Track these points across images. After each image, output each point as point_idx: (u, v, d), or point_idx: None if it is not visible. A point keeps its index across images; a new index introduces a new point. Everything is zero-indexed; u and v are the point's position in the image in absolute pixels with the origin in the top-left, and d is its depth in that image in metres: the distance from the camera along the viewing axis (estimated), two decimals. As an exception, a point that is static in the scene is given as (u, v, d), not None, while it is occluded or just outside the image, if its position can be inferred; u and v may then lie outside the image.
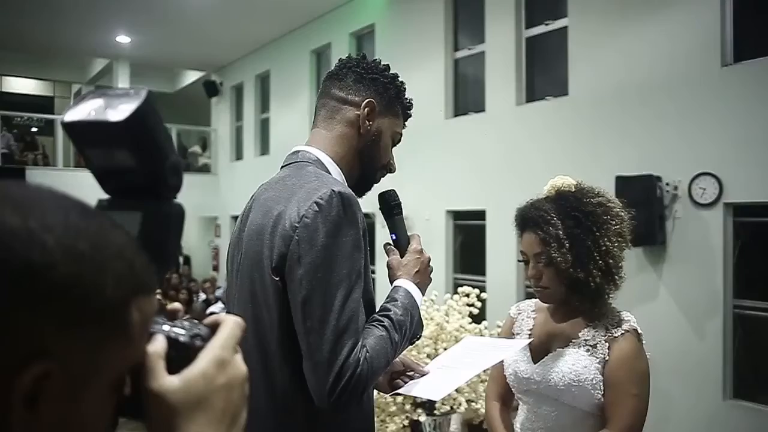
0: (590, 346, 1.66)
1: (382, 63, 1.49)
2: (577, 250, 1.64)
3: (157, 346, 0.54)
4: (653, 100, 4.99)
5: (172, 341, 0.55)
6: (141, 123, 0.55)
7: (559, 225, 1.66)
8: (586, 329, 1.69)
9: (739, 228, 4.57)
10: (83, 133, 0.56)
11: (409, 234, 1.49)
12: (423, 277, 1.43)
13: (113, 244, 0.49)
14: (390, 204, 1.50)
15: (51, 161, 12.12)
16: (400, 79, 1.50)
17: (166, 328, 0.56)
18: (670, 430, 4.64)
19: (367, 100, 1.42)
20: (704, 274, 4.60)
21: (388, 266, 1.45)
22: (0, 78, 15.26)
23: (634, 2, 5.15)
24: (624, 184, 4.66)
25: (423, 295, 1.44)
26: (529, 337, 1.81)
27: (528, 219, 1.74)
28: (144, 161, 0.57)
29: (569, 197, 1.72)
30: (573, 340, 1.69)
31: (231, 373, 0.57)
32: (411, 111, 1.53)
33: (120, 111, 0.54)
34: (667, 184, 4.77)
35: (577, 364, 1.64)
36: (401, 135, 1.52)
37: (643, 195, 4.59)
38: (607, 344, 1.64)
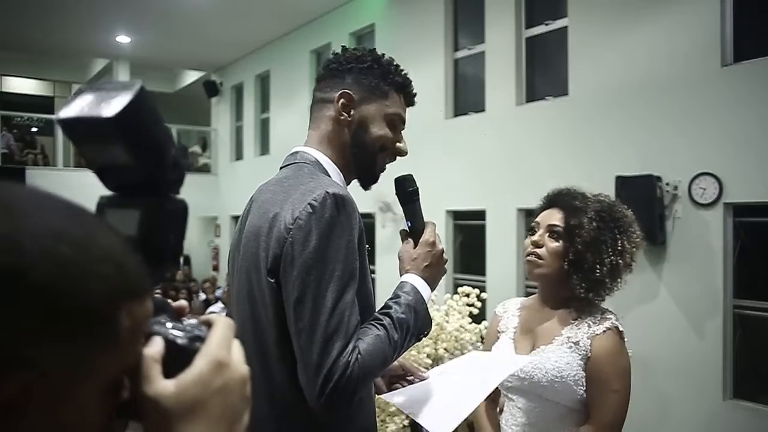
0: (573, 343, 1.69)
1: (366, 51, 1.45)
2: (596, 237, 1.69)
3: (154, 349, 0.53)
4: (653, 100, 4.99)
5: (169, 343, 0.54)
6: (134, 117, 0.53)
7: (591, 206, 1.73)
8: (568, 326, 1.73)
9: (739, 228, 4.57)
10: (78, 130, 0.55)
11: (425, 220, 1.44)
12: (434, 271, 1.40)
13: (100, 246, 0.47)
14: (407, 190, 1.45)
15: (51, 161, 12.12)
16: (387, 58, 1.45)
17: (165, 329, 0.55)
18: (670, 430, 4.64)
19: (340, 92, 1.40)
20: (704, 274, 4.60)
21: (399, 257, 1.43)
22: (0, 78, 15.25)
23: (634, 2, 5.15)
24: (624, 184, 4.66)
25: (434, 288, 1.40)
26: (514, 335, 1.85)
27: (563, 195, 1.81)
28: (140, 157, 0.55)
29: (603, 201, 1.79)
30: (556, 337, 1.73)
31: (228, 376, 0.55)
32: (409, 85, 1.46)
33: (112, 106, 0.52)
34: (667, 184, 4.76)
35: (560, 360, 1.68)
36: (401, 115, 1.45)
37: (643, 195, 4.59)
38: (589, 341, 1.68)
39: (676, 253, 4.76)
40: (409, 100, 1.48)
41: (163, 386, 0.52)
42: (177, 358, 0.53)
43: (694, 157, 4.66)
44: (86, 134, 0.55)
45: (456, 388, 1.48)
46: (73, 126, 0.54)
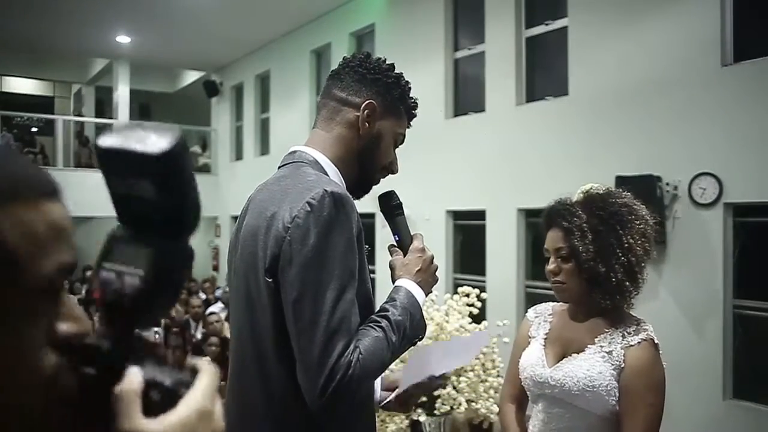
0: (606, 352, 1.67)
1: (387, 62, 1.46)
2: (600, 244, 1.66)
3: (133, 384, 0.52)
4: (653, 99, 4.99)
5: (157, 384, 0.54)
6: (175, 159, 0.55)
7: (583, 217, 1.69)
8: (602, 335, 1.70)
9: (739, 228, 4.57)
10: (116, 161, 0.56)
11: (412, 233, 1.47)
12: (425, 276, 1.41)
13: None
14: (390, 205, 1.48)
15: (51, 161, 12.11)
16: (405, 79, 1.46)
17: (152, 370, 0.55)
18: (670, 430, 4.64)
19: (367, 101, 1.39)
20: (704, 274, 4.60)
21: (390, 267, 1.43)
22: (0, 78, 15.25)
23: (634, 2, 5.15)
24: (624, 184, 4.65)
25: (427, 294, 1.41)
26: (545, 341, 1.82)
27: (554, 214, 1.77)
28: (168, 198, 0.57)
29: (596, 198, 1.75)
30: (589, 346, 1.70)
31: (210, 427, 0.55)
32: (416, 111, 1.49)
33: (158, 144, 0.54)
34: (667, 184, 4.76)
35: (592, 369, 1.65)
36: (404, 136, 1.49)
37: (643, 195, 4.55)
38: (623, 351, 1.65)
39: (676, 253, 4.76)
40: (410, 123, 1.51)
41: (145, 424, 0.51)
42: (161, 399, 0.54)
43: (694, 157, 4.66)
44: (124, 166, 0.56)
45: (432, 358, 1.53)
46: (112, 156, 0.56)
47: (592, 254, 1.65)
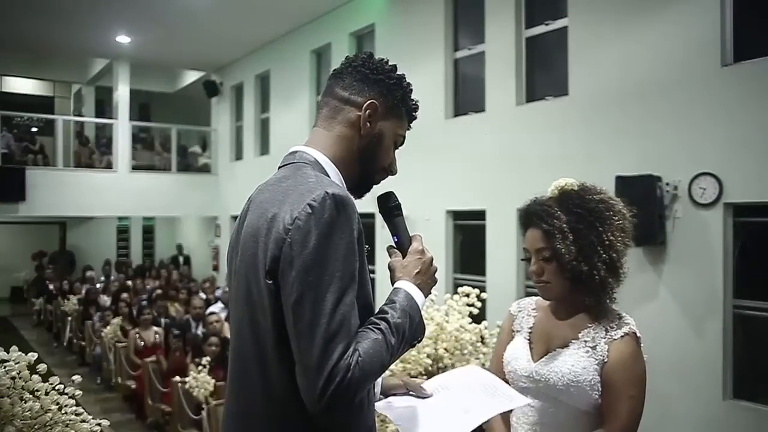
0: (590, 347, 1.68)
1: (389, 63, 1.45)
2: (581, 243, 1.67)
3: None
4: (653, 99, 4.99)
5: None
6: None
7: (563, 218, 1.70)
8: (585, 330, 1.71)
9: (739, 228, 4.57)
10: None
11: (411, 234, 1.46)
12: (425, 278, 1.40)
13: None
14: (389, 206, 1.47)
15: (51, 161, 12.11)
16: (407, 80, 1.46)
17: None
18: (670, 430, 4.64)
19: (370, 101, 1.39)
20: (704, 274, 4.60)
21: (389, 268, 1.43)
22: (0, 78, 15.25)
23: (634, 2, 5.15)
24: (624, 184, 4.66)
25: (426, 296, 1.40)
26: (529, 335, 1.83)
27: (531, 214, 1.78)
28: None
29: (572, 195, 1.76)
30: (573, 341, 1.71)
31: None
32: (417, 114, 1.49)
33: None
34: (667, 184, 4.76)
35: (576, 365, 1.67)
36: (404, 138, 1.49)
37: (643, 195, 4.59)
38: (606, 346, 1.67)
39: (676, 253, 4.76)
40: (410, 125, 1.51)
41: None
42: None
43: (694, 157, 4.66)
44: None
45: (450, 412, 1.44)
46: None
47: (574, 254, 1.67)
